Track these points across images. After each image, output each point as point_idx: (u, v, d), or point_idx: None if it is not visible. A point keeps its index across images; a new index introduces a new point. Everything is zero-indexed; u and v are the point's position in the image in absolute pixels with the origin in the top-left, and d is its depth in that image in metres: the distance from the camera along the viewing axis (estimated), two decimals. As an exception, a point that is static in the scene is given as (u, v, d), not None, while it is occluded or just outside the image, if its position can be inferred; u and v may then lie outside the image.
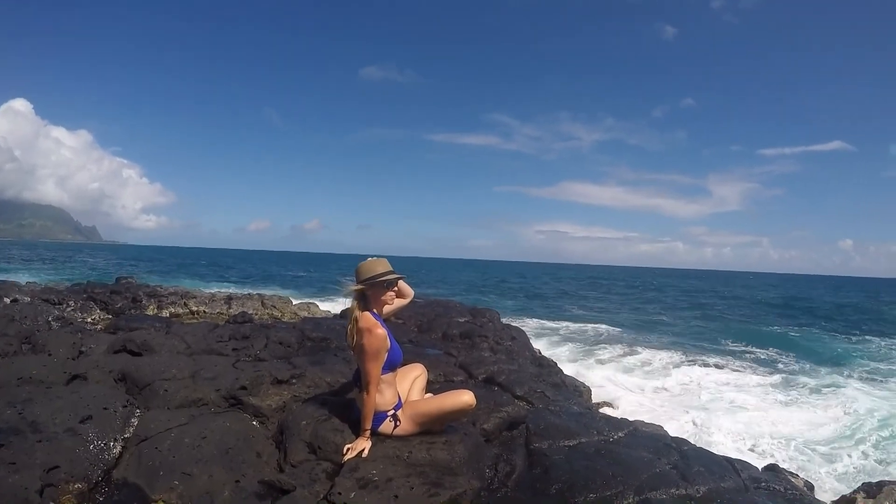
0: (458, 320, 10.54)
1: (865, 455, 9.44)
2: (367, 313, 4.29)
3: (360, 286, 4.35)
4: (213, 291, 18.23)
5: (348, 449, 4.21)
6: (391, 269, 4.46)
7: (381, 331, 4.18)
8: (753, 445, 9.76)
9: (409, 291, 4.86)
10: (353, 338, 4.25)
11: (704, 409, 11.87)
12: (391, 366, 4.33)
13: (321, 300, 21.27)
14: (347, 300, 4.51)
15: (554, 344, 19.34)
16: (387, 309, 4.54)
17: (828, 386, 15.18)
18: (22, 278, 26.53)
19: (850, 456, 9.33)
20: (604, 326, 26.51)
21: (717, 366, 17.84)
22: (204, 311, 13.66)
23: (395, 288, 4.56)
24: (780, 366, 18.23)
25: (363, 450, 4.19)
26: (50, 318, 9.15)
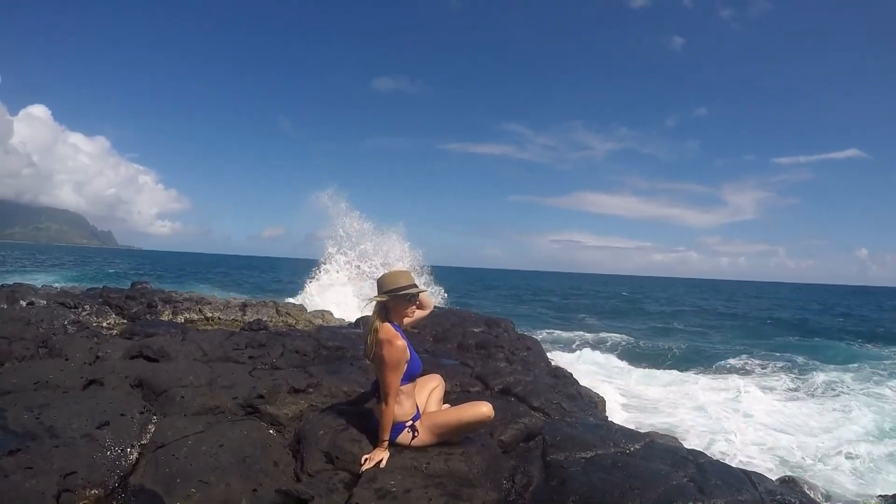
0: (474, 330, 10.51)
1: (882, 467, 9.30)
2: (387, 324, 4.29)
3: (382, 297, 4.35)
4: (227, 298, 18.22)
5: (366, 459, 4.21)
6: (414, 281, 4.47)
7: (402, 342, 4.18)
8: (770, 456, 9.68)
9: (430, 303, 4.86)
10: (373, 349, 4.25)
11: (720, 418, 11.79)
12: (410, 377, 4.33)
13: (336, 307, 21.26)
14: (367, 309, 4.51)
15: (569, 354, 19.26)
16: (407, 320, 4.53)
17: (845, 393, 15.11)
18: (38, 281, 26.68)
19: (867, 467, 9.21)
20: (618, 336, 26.46)
21: (731, 374, 17.77)
22: (219, 318, 13.63)
23: (418, 301, 4.57)
24: (795, 373, 18.04)
25: (381, 460, 4.19)
26: (66, 322, 9.17)
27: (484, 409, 4.42)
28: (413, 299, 4.48)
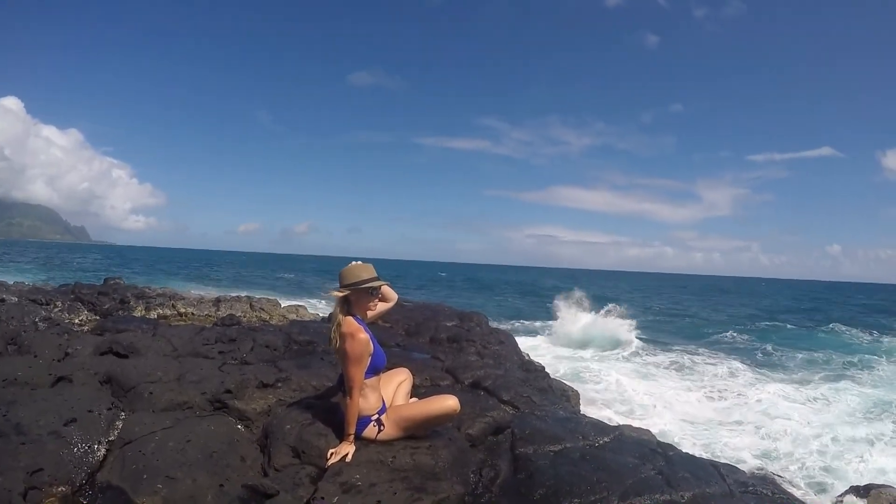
0: (446, 324, 10.51)
1: (855, 456, 9.33)
2: (349, 318, 4.31)
3: (343, 291, 4.36)
4: (201, 293, 18.11)
5: (332, 453, 4.22)
6: (376, 275, 4.47)
7: (364, 335, 4.20)
8: (741, 447, 9.72)
9: (393, 295, 4.87)
10: (336, 342, 4.26)
11: (687, 409, 11.88)
12: (375, 370, 4.35)
13: (309, 302, 21.19)
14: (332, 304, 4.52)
15: (542, 347, 19.31)
16: (370, 314, 4.56)
17: (812, 382, 15.38)
18: (9, 278, 26.35)
19: (839, 457, 9.24)
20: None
21: (696, 363, 17.96)
22: (192, 313, 13.57)
23: (380, 295, 4.58)
24: (759, 362, 18.25)
25: (347, 454, 4.20)
26: (37, 319, 9.07)
27: (450, 402, 4.45)
28: (375, 292, 4.50)
